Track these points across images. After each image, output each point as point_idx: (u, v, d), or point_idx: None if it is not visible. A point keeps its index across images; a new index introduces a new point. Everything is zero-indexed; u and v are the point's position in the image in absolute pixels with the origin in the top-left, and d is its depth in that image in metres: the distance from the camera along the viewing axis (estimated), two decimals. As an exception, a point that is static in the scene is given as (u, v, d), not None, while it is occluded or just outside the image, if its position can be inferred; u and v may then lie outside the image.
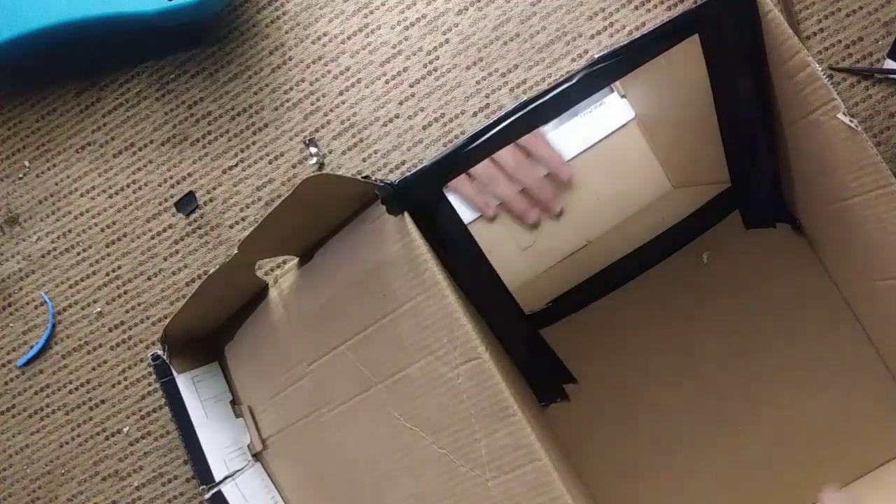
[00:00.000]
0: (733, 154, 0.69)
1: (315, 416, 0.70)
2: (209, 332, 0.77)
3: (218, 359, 0.78)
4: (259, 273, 0.70)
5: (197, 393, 0.74)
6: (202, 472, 0.72)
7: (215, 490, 0.71)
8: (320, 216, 0.63)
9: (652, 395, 0.78)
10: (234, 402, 0.76)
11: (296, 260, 0.69)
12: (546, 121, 0.58)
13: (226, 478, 0.72)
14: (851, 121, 0.57)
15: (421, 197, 0.59)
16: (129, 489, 0.85)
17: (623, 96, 0.86)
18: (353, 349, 0.65)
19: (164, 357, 0.73)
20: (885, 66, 0.81)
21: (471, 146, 0.57)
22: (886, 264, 0.64)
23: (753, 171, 0.70)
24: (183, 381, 0.74)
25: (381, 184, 0.58)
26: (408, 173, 0.58)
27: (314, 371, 0.69)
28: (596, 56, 0.57)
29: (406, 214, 0.59)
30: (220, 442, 0.73)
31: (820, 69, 0.57)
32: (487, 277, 0.66)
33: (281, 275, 0.71)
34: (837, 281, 0.76)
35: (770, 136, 0.67)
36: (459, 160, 0.58)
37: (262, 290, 0.72)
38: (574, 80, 0.56)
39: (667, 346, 0.79)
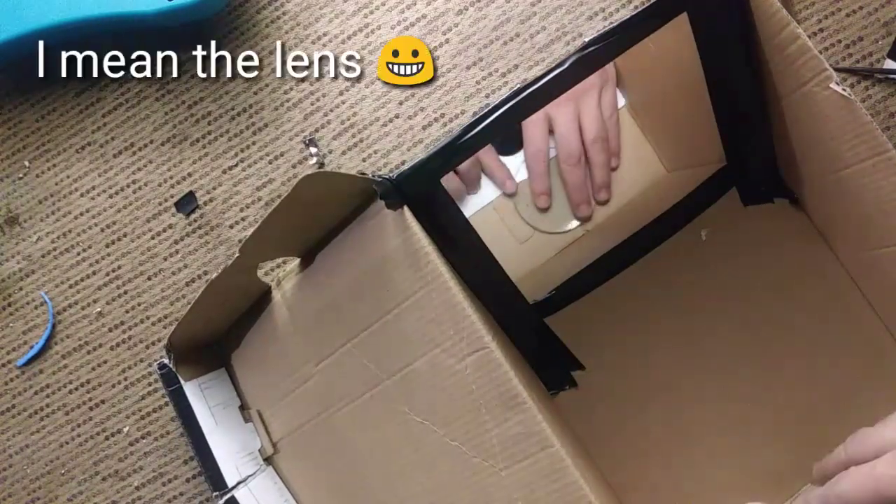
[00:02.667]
0: (727, 131, 0.69)
1: (324, 416, 0.69)
2: (214, 337, 0.77)
3: (224, 364, 0.77)
4: (259, 273, 0.70)
5: (205, 400, 0.74)
6: (214, 478, 0.71)
7: (228, 496, 0.71)
8: (320, 215, 0.63)
9: (660, 376, 0.78)
10: (243, 408, 0.75)
11: (297, 261, 0.69)
12: (539, 107, 0.58)
13: (238, 483, 0.71)
14: (845, 90, 0.56)
15: (419, 190, 0.59)
16: (129, 489, 0.85)
17: None
18: (359, 347, 0.65)
19: (171, 366, 0.73)
20: (885, 67, 0.81)
21: (467, 136, 0.57)
22: (886, 232, 0.64)
23: (748, 147, 0.71)
24: (190, 389, 0.73)
25: (380, 179, 0.58)
26: (405, 167, 0.58)
27: (321, 371, 0.69)
28: (586, 40, 0.56)
29: (405, 208, 0.59)
30: (230, 448, 0.73)
31: (810, 41, 0.57)
32: (490, 267, 0.65)
33: (283, 276, 0.71)
34: (838, 252, 0.76)
35: (763, 110, 0.67)
36: (456, 151, 0.58)
37: (265, 293, 0.72)
38: (566, 65, 0.56)
39: (671, 326, 0.79)
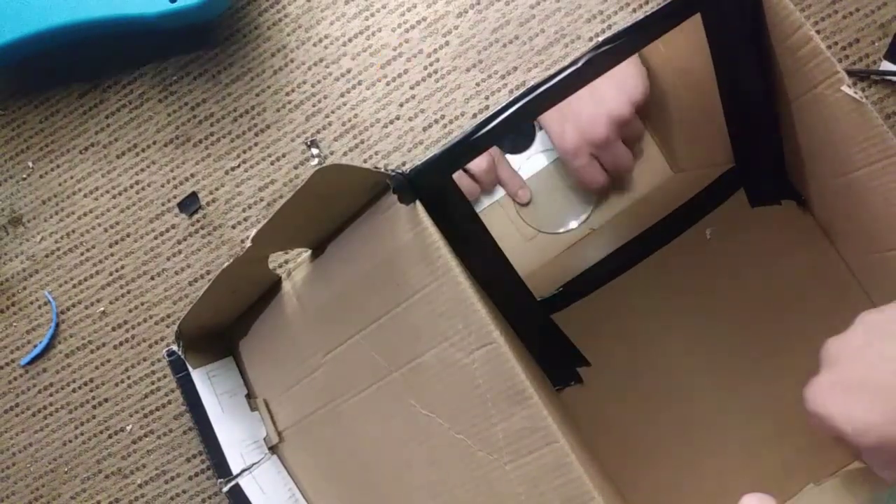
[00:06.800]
0: (737, 133, 0.70)
1: (331, 406, 0.70)
2: (223, 326, 0.77)
3: (232, 353, 0.78)
4: (270, 266, 0.71)
5: (212, 388, 0.74)
6: (219, 465, 0.71)
7: (233, 483, 0.71)
8: (332, 207, 0.63)
9: (665, 373, 0.79)
10: (250, 396, 0.76)
11: (308, 252, 0.70)
12: (552, 105, 0.58)
13: (243, 471, 0.72)
14: (856, 92, 0.57)
15: (432, 185, 0.60)
16: (131, 487, 0.86)
17: None
18: (367, 338, 0.66)
19: (180, 353, 0.73)
20: (881, 68, 0.82)
21: (479, 133, 0.58)
22: (893, 235, 0.65)
23: (758, 148, 0.71)
24: (198, 377, 0.74)
25: (394, 173, 0.58)
26: (418, 162, 0.59)
27: (329, 362, 0.69)
28: (601, 39, 0.57)
29: (418, 203, 0.59)
30: (236, 435, 0.73)
31: (822, 43, 0.58)
32: (499, 263, 0.66)
33: (294, 268, 0.71)
34: (845, 255, 0.77)
35: (774, 112, 0.68)
36: (469, 147, 0.58)
37: (275, 284, 0.73)
38: (580, 63, 0.57)
39: (677, 324, 0.80)
